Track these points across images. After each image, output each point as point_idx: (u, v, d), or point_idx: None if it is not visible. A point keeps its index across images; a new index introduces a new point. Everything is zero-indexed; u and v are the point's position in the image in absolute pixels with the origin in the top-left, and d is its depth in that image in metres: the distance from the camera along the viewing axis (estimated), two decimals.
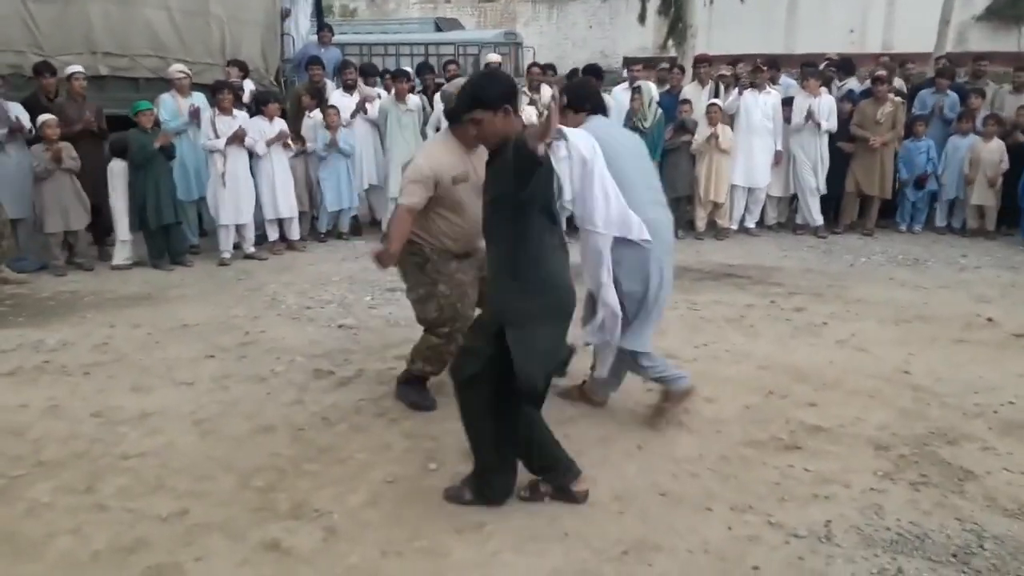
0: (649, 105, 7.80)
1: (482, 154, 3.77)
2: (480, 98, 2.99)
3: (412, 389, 4.28)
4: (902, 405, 4.26)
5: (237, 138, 7.28)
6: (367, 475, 3.49)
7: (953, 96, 8.75)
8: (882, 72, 8.56)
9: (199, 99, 7.65)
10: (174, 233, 7.43)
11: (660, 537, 3.03)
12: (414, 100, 8.31)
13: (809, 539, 3.02)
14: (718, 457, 3.67)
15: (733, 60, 10.01)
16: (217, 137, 7.23)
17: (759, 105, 8.23)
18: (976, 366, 4.82)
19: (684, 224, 8.35)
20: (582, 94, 4.01)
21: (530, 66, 9.40)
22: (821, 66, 9.33)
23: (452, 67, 8.64)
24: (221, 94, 7.32)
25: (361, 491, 3.37)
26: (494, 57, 9.20)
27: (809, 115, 8.21)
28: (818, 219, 8.64)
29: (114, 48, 8.36)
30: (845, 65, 9.50)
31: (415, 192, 3.70)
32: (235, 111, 7.41)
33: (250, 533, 3.07)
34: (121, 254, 7.31)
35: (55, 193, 6.98)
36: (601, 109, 4.03)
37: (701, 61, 9.08)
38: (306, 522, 3.15)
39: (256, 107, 7.91)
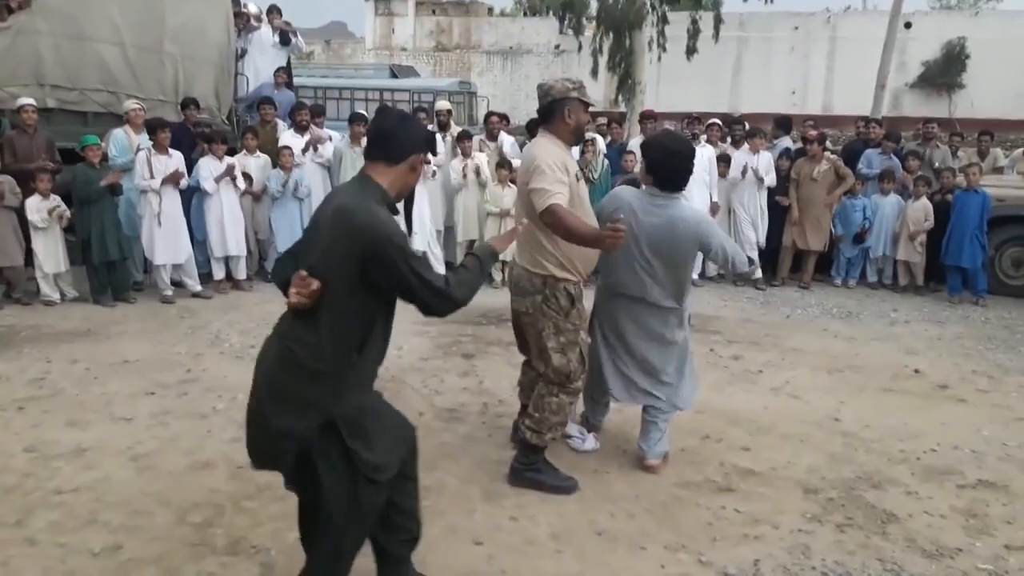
0: (598, 156, 8.06)
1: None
2: (415, 142, 2.58)
3: (546, 474, 3.83)
4: (831, 450, 4.42)
5: (173, 180, 7.29)
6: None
7: (895, 160, 9.19)
8: (813, 132, 8.96)
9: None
10: (119, 269, 7.34)
11: (595, 575, 3.09)
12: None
13: None
14: (654, 498, 3.77)
15: (680, 116, 10.40)
16: (152, 177, 7.23)
17: (696, 158, 8.50)
18: (902, 414, 5.03)
19: None
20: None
21: (488, 114, 9.60)
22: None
23: (422, 115, 8.76)
24: (162, 132, 7.33)
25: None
26: (444, 104, 9.37)
27: (744, 171, 8.54)
28: (757, 272, 8.92)
29: (64, 81, 8.29)
30: (783, 123, 9.94)
31: (562, 190, 3.41)
32: (171, 151, 7.42)
33: (185, 568, 3.04)
34: (45, 288, 7.17)
35: None
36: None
37: (647, 116, 9.38)
38: (243, 558, 3.14)
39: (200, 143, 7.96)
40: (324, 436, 2.44)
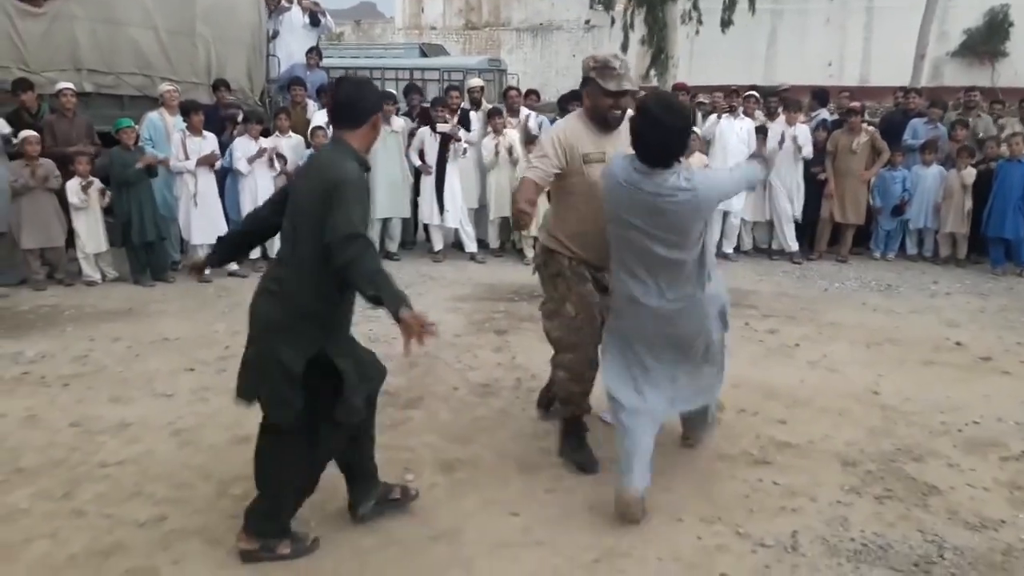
0: None
1: (621, 137, 3.45)
2: (372, 103, 2.94)
3: (571, 445, 3.85)
4: (870, 423, 4.36)
5: (208, 162, 7.38)
6: (344, 485, 3.51)
7: (942, 128, 8.97)
8: (855, 104, 8.78)
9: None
10: (157, 249, 7.46)
11: (631, 545, 3.10)
12: (398, 121, 8.43)
13: (775, 549, 3.10)
14: (690, 470, 3.76)
15: (712, 89, 10.23)
16: (187, 158, 7.31)
17: (735, 131, 8.40)
18: (943, 387, 4.94)
19: None
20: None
21: (507, 89, 9.52)
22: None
23: (454, 93, 8.70)
24: (196, 115, 7.41)
25: (338, 499, 3.39)
26: (476, 82, 9.33)
27: (782, 140, 8.38)
28: (793, 245, 8.79)
29: (100, 65, 8.40)
30: (820, 95, 9.76)
31: (542, 163, 3.45)
32: (205, 132, 7.50)
33: (228, 539, 3.09)
34: (87, 268, 7.33)
35: (33, 209, 7.01)
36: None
37: (678, 89, 9.27)
38: None
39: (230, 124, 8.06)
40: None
